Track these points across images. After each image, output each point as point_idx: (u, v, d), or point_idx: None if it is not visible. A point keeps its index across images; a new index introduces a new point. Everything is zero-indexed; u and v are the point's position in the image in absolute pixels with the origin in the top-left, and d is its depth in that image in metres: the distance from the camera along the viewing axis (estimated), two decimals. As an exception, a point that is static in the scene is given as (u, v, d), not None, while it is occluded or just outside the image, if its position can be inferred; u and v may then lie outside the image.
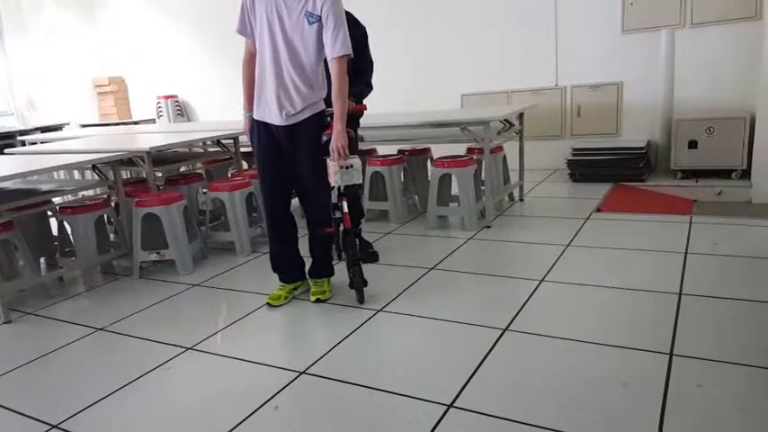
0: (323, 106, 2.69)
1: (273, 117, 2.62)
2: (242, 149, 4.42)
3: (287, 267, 2.94)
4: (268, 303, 2.87)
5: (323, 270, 2.93)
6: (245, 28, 2.64)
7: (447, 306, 2.70)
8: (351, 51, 2.55)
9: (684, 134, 4.90)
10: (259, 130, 2.69)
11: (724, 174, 4.85)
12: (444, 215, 4.25)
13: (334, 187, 2.76)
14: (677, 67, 5.13)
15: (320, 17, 2.50)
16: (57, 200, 3.88)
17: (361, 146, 3.98)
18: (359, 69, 3.19)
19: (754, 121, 4.32)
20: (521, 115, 4.54)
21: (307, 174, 2.70)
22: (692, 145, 4.89)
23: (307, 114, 2.63)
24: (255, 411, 1.96)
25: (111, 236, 4.06)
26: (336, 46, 2.50)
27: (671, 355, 2.10)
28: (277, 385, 2.12)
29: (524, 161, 4.71)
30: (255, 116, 2.68)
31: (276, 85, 2.57)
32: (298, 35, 2.53)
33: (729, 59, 4.91)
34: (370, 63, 3.34)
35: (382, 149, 4.80)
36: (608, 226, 3.82)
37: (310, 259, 2.94)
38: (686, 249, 3.20)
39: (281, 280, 2.96)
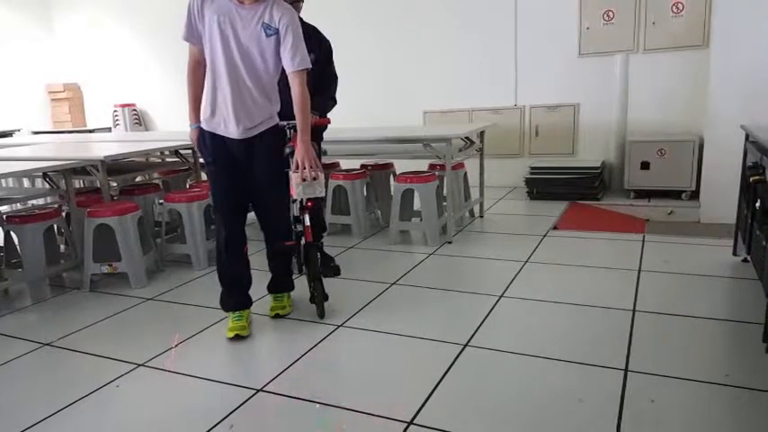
0: (278, 119, 2.62)
1: (230, 131, 2.50)
2: (201, 160, 4.32)
3: (244, 289, 2.74)
4: (237, 335, 2.60)
5: (283, 285, 2.88)
6: (193, 35, 2.49)
7: (408, 321, 2.70)
8: (309, 65, 2.51)
9: (637, 155, 5.09)
10: (213, 142, 2.54)
11: (674, 194, 5.05)
12: (406, 230, 4.27)
13: (296, 200, 2.72)
14: (631, 91, 5.34)
15: (278, 30, 2.45)
16: (4, 208, 3.71)
17: (324, 160, 3.96)
18: (324, 84, 3.19)
19: (702, 144, 4.52)
20: (481, 133, 4.63)
21: (266, 187, 2.62)
22: (645, 166, 5.08)
23: (264, 127, 2.54)
24: (209, 431, 1.90)
25: (62, 247, 3.91)
26: (296, 60, 2.45)
27: (626, 370, 2.14)
28: (233, 403, 2.05)
29: (484, 178, 4.79)
30: (207, 128, 2.53)
31: (233, 97, 2.46)
32: (254, 46, 2.45)
33: (679, 84, 5.15)
34: (335, 78, 3.35)
35: (345, 164, 4.80)
36: (564, 243, 3.90)
37: (268, 275, 2.89)
38: (639, 267, 3.29)
39: (236, 308, 2.69)
